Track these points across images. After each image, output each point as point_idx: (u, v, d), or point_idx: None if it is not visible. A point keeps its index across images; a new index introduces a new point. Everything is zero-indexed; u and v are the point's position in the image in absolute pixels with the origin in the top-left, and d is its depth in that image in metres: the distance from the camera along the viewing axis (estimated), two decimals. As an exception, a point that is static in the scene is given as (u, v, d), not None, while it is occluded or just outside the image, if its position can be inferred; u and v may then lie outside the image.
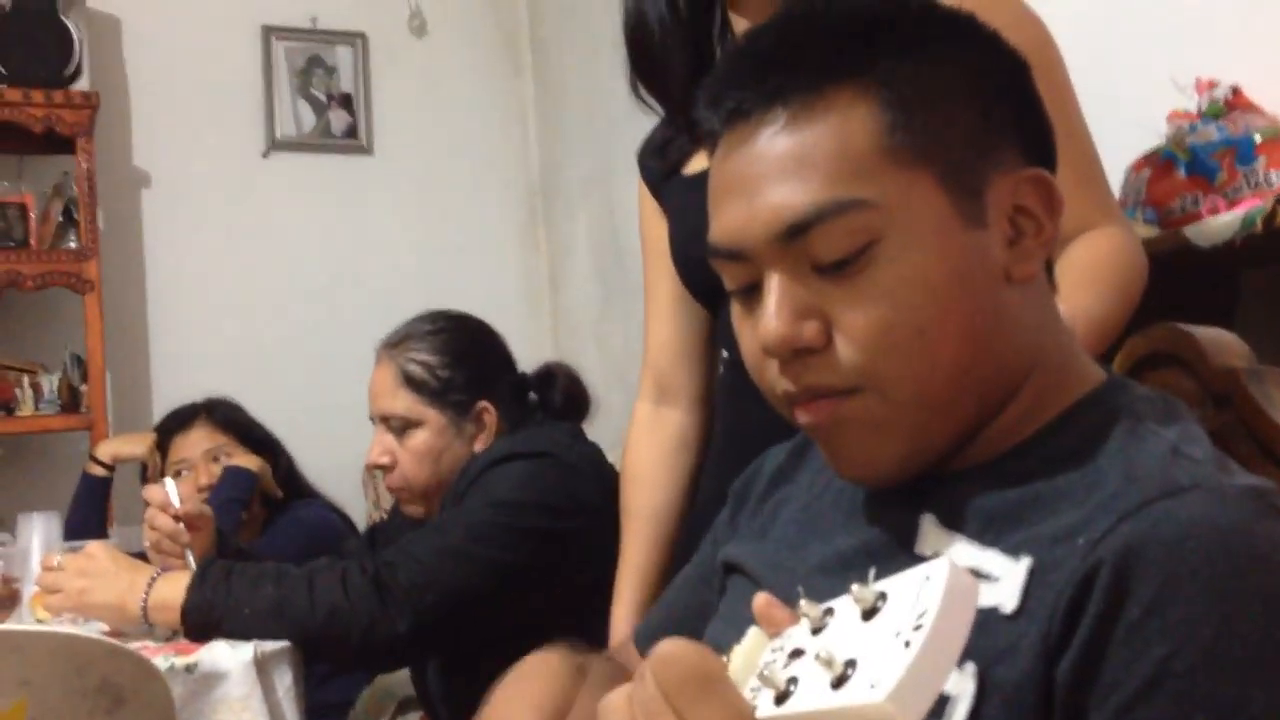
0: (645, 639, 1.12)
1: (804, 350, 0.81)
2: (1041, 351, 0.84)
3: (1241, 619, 0.68)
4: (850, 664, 0.55)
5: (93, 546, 1.76)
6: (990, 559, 0.77)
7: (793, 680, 0.58)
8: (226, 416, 2.80)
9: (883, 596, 0.57)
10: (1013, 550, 0.76)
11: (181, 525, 1.82)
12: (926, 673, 0.53)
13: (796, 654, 0.60)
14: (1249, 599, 0.68)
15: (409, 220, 4.24)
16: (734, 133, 0.84)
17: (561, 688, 0.94)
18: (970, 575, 0.56)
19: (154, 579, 1.70)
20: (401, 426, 1.95)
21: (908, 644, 0.53)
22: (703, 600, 1.06)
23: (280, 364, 3.99)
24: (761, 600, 0.65)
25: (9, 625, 1.55)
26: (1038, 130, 0.86)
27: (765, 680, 0.60)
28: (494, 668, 1.37)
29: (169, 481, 1.88)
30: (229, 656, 1.61)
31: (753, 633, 0.64)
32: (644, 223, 1.59)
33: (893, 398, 0.80)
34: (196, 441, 2.74)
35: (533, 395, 2.03)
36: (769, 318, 0.81)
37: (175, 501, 1.83)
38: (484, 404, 1.95)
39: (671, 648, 0.63)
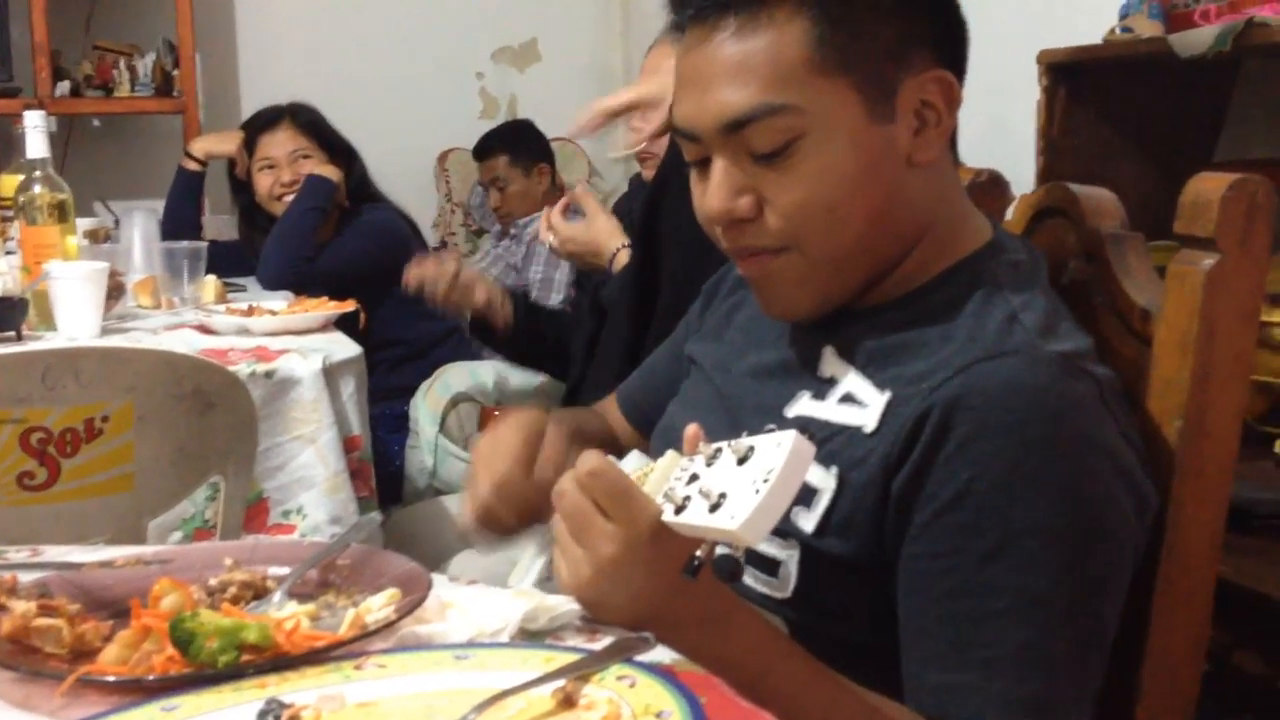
0: (625, 399, 1.38)
1: (740, 219, 1.01)
2: (934, 219, 1.03)
3: (1028, 458, 0.90)
4: (723, 496, 0.79)
5: None
6: (865, 388, 1.00)
7: (687, 499, 0.82)
8: (309, 120, 3.03)
9: (751, 449, 0.81)
10: (880, 384, 0.99)
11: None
12: (768, 512, 0.77)
13: (694, 478, 0.83)
14: (1036, 443, 0.90)
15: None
16: (695, 30, 1.01)
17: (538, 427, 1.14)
18: (810, 443, 0.78)
19: None
20: None
21: (758, 491, 0.77)
22: (674, 375, 1.29)
23: (361, 62, 4.13)
24: (690, 430, 0.87)
25: (119, 343, 1.83)
26: (951, 37, 1.02)
27: (668, 496, 0.84)
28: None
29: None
30: (301, 365, 1.89)
31: (669, 454, 0.88)
32: None
33: (810, 256, 1.01)
34: (281, 142, 2.99)
35: None
36: (711, 195, 1.01)
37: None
38: None
39: (597, 463, 0.85)
